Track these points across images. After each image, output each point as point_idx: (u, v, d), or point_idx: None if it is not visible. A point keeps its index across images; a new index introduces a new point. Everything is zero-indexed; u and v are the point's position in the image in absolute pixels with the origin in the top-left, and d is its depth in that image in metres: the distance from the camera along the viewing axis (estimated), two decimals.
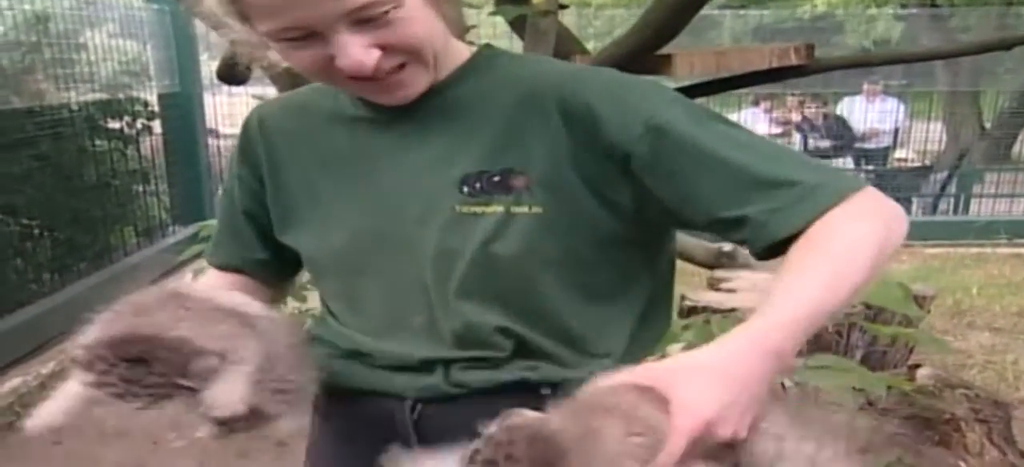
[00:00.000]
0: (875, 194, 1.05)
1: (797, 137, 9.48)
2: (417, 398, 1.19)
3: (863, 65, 5.90)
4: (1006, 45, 3.42)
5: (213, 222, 1.51)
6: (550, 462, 0.84)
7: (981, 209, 8.32)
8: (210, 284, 1.33)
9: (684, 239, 1.93)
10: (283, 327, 1.23)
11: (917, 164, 9.74)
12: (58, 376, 4.31)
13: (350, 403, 1.25)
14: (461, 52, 1.17)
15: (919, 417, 3.17)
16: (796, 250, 1.00)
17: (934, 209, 8.74)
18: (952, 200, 8.88)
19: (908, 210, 8.78)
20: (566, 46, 2.86)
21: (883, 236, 1.00)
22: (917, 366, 3.54)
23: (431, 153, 1.15)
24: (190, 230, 5.26)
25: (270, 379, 1.17)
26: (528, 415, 0.89)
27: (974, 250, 6.61)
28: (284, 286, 1.44)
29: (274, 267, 1.33)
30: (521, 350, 1.15)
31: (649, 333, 1.23)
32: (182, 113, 6.83)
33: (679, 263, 2.67)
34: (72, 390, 1.07)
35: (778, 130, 9.31)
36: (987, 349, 4.59)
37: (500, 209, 1.11)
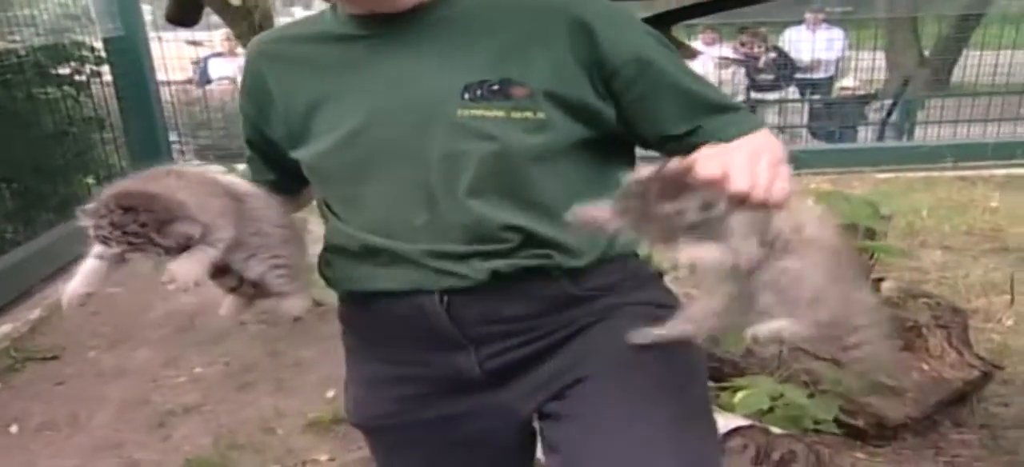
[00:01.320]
0: None
1: (742, 70, 9.65)
2: (444, 289, 1.28)
3: None
4: None
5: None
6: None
7: (926, 135, 8.59)
8: (209, 168, 1.44)
9: None
10: (274, 208, 1.36)
11: (862, 92, 10.00)
12: (46, 322, 4.38)
13: (376, 304, 1.35)
14: None
15: None
16: None
17: (881, 136, 9.00)
18: (896, 127, 9.16)
19: (854, 138, 9.11)
20: None
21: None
22: (881, 280, 3.75)
23: (431, 63, 1.25)
24: None
25: (267, 254, 1.31)
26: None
27: (922, 174, 6.86)
28: (295, 198, 1.52)
29: (283, 183, 1.45)
30: (529, 242, 1.26)
31: None
32: (131, 58, 6.70)
33: None
34: (87, 264, 1.21)
35: (723, 62, 9.45)
36: (940, 266, 4.83)
37: (501, 113, 1.22)
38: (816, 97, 10.02)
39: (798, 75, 9.89)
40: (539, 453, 1.44)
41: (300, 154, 1.35)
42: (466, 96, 1.22)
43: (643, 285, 1.39)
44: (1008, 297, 4.22)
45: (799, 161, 6.90)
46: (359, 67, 1.29)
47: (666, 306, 1.32)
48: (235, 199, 1.29)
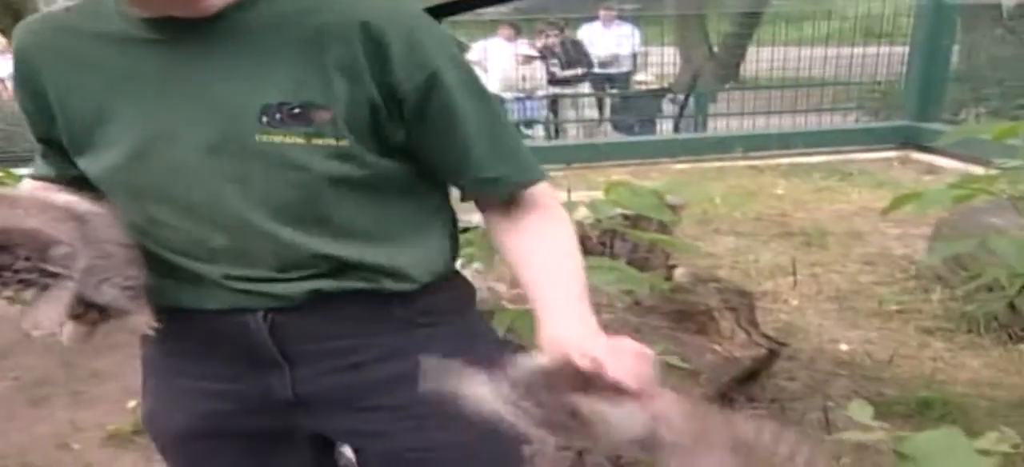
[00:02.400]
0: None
1: (539, 65, 9.90)
2: (268, 308, 1.23)
3: None
4: None
5: None
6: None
7: (717, 126, 9.10)
8: (35, 185, 1.33)
9: None
10: (114, 225, 1.25)
11: (656, 86, 10.48)
12: None
13: (192, 319, 1.27)
14: None
15: (679, 311, 3.55)
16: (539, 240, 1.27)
17: (676, 128, 9.47)
18: (691, 120, 9.66)
19: (652, 130, 9.54)
20: None
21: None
22: (674, 267, 3.95)
23: (228, 79, 1.14)
24: None
25: (117, 277, 1.22)
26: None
27: (715, 164, 7.26)
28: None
29: (88, 182, 1.30)
30: (348, 267, 1.22)
31: (454, 247, 1.37)
32: None
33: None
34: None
35: (521, 58, 9.67)
36: (733, 251, 5.13)
37: (301, 140, 1.14)
38: (614, 91, 10.43)
39: (597, 70, 10.25)
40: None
41: (83, 165, 1.26)
42: (264, 119, 1.14)
43: (466, 314, 1.42)
44: (792, 279, 4.53)
45: (600, 153, 7.19)
46: (149, 77, 1.17)
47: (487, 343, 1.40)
48: (78, 221, 1.18)
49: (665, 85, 10.45)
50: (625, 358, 1.03)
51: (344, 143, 1.16)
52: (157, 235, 1.24)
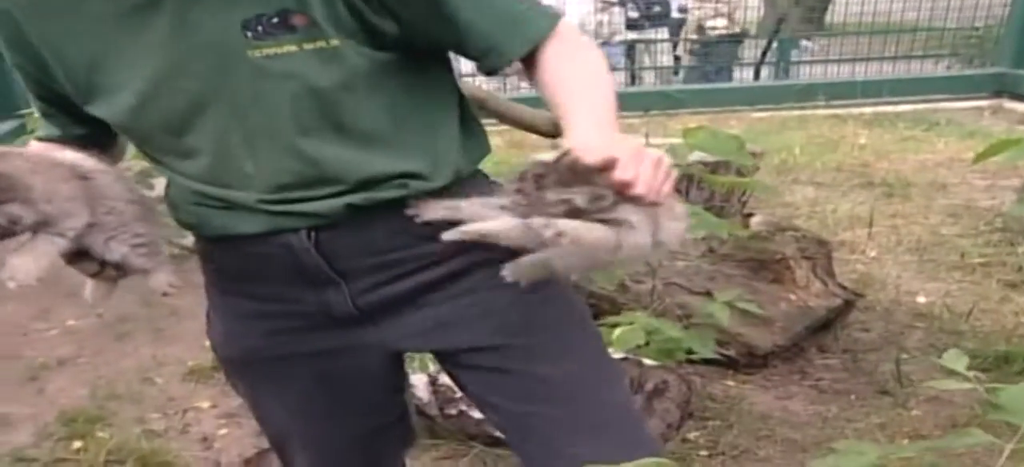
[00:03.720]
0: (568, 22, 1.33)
1: (617, 10, 9.82)
2: (310, 226, 1.27)
3: None
4: None
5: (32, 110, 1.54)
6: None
7: (800, 73, 8.94)
8: (42, 146, 1.35)
9: (526, 111, 2.16)
10: (122, 183, 1.31)
11: (729, 31, 10.24)
12: None
13: (239, 244, 1.32)
14: None
15: (754, 259, 3.57)
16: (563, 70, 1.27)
17: (756, 75, 9.33)
18: (773, 66, 9.50)
19: (728, 77, 9.40)
20: None
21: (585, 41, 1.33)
22: (750, 215, 3.97)
23: (204, 2, 1.15)
24: (9, 125, 5.10)
25: (126, 233, 1.28)
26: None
27: (796, 112, 7.16)
28: (116, 147, 1.44)
29: (96, 136, 1.34)
30: (371, 182, 1.25)
31: (474, 142, 1.38)
32: None
33: (520, 135, 2.92)
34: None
35: (599, 3, 9.60)
36: (811, 201, 5.12)
37: (293, 48, 1.15)
38: (693, 36, 10.26)
39: (675, 14, 10.12)
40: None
41: (98, 112, 1.27)
42: (249, 34, 1.15)
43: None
44: (870, 230, 4.52)
45: (678, 101, 7.16)
46: (132, 16, 1.17)
47: None
48: (82, 179, 1.23)
49: (740, 30, 10.23)
50: (637, 162, 1.06)
51: (335, 43, 1.17)
52: (188, 168, 1.28)
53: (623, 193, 1.06)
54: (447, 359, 1.47)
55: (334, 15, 1.16)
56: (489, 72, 1.29)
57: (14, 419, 3.15)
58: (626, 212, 1.09)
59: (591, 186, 1.06)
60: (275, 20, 1.14)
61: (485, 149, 1.41)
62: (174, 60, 1.17)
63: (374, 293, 1.35)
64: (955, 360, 1.82)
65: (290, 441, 1.58)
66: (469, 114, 1.39)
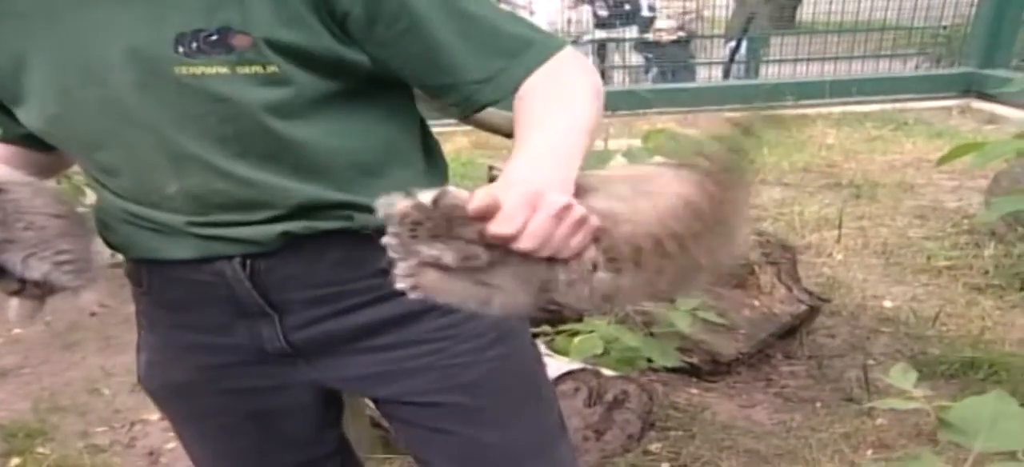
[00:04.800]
0: (573, 51, 1.18)
1: (586, 8, 9.79)
2: (244, 254, 1.20)
3: None
4: None
5: None
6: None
7: (768, 73, 8.96)
8: None
9: (490, 112, 2.11)
10: (44, 196, 1.23)
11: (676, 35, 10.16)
12: None
13: (170, 270, 1.25)
14: None
15: None
16: (531, 98, 1.12)
17: (726, 74, 9.33)
18: (742, 66, 9.51)
19: (690, 78, 9.38)
20: None
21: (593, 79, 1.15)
22: None
23: (138, 8, 1.07)
24: None
25: (47, 251, 1.21)
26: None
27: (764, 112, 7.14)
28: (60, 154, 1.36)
29: (40, 140, 1.26)
30: (316, 206, 1.17)
31: (435, 169, 1.29)
32: None
33: (485, 135, 2.87)
34: None
35: (569, 1, 9.60)
36: (778, 202, 5.09)
37: (224, 70, 1.06)
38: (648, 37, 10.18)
39: (645, 13, 10.09)
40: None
41: (20, 116, 1.20)
42: (181, 49, 1.06)
43: None
44: (837, 232, 4.49)
45: (645, 100, 7.13)
46: (61, 13, 1.10)
47: None
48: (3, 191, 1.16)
49: (685, 35, 10.12)
50: (525, 211, 0.88)
51: (273, 68, 1.08)
52: (113, 185, 1.21)
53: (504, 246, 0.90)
54: (385, 405, 1.40)
55: (280, 38, 1.07)
56: (476, 110, 1.17)
57: None
58: (501, 273, 0.93)
59: (463, 240, 0.90)
60: (213, 37, 1.06)
61: (445, 175, 1.31)
62: (96, 67, 1.09)
63: (310, 329, 1.27)
64: (902, 377, 1.78)
65: None
66: (431, 140, 1.31)
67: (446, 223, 0.90)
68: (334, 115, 1.15)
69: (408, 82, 1.20)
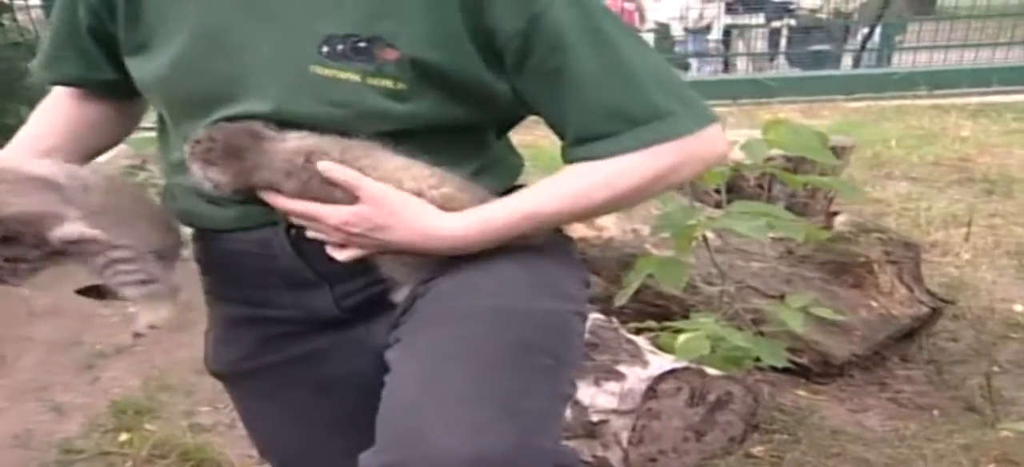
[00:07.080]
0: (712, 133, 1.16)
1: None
2: (291, 223, 1.22)
3: None
4: None
5: None
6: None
7: (902, 61, 8.63)
8: (16, 149, 1.30)
9: None
10: (107, 188, 1.22)
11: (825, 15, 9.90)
12: None
13: (224, 240, 1.29)
14: None
15: (835, 262, 3.43)
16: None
17: (856, 63, 9.02)
18: (875, 53, 9.19)
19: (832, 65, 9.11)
20: None
21: (662, 171, 1.15)
22: (835, 214, 3.81)
23: (295, 1, 1.12)
24: None
25: (115, 255, 1.17)
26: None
27: (895, 103, 6.92)
28: (133, 106, 1.41)
29: (122, 89, 1.30)
30: None
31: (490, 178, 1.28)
32: None
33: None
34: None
35: None
36: (904, 197, 4.89)
37: (356, 78, 1.10)
38: (792, 22, 9.99)
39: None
40: None
41: (133, 66, 1.24)
42: (325, 49, 1.10)
43: None
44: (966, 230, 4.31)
45: (769, 89, 6.97)
46: None
47: None
48: (56, 190, 1.15)
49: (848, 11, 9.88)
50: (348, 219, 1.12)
51: (402, 86, 1.11)
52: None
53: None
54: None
55: (428, 61, 1.10)
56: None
57: (67, 409, 3.18)
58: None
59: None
60: (362, 45, 1.09)
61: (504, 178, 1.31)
62: (231, 39, 1.14)
63: (359, 295, 1.29)
64: None
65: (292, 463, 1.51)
66: (504, 150, 1.35)
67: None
68: (433, 140, 1.17)
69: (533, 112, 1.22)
